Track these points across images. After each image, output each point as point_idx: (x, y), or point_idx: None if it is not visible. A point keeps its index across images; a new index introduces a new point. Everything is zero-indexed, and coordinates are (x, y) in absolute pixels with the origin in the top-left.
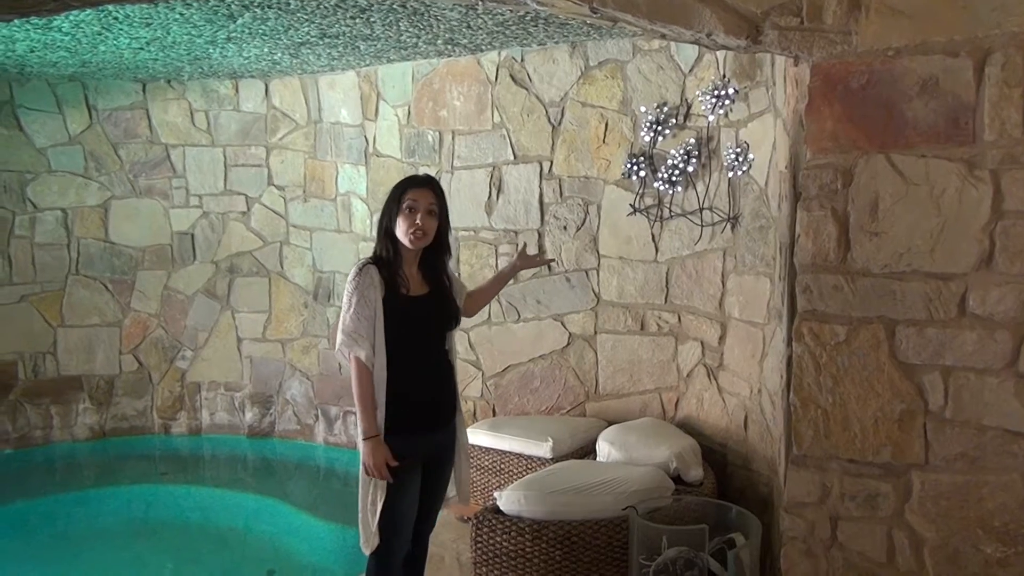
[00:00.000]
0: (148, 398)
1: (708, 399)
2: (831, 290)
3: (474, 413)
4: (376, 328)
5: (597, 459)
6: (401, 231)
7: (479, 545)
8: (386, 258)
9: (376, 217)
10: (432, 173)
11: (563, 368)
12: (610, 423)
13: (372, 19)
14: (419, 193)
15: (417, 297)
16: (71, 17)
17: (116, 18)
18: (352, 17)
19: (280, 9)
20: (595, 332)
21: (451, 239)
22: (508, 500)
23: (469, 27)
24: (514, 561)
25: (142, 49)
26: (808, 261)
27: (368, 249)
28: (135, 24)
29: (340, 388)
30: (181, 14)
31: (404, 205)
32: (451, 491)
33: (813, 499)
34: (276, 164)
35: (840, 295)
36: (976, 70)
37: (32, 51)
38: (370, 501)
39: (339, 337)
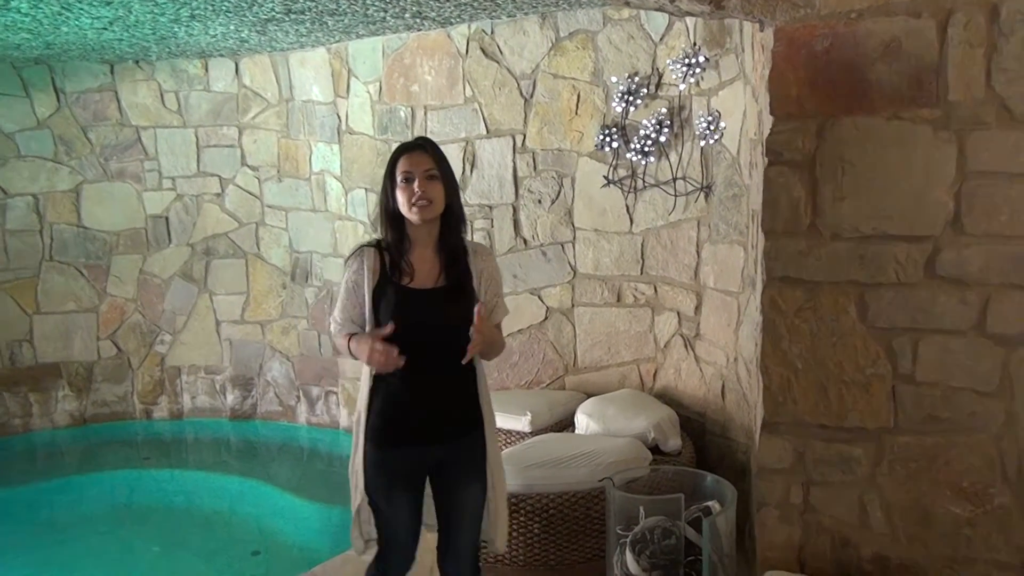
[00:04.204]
0: (128, 383)
1: (685, 369)
2: (799, 256)
3: None
4: (368, 321)
5: (576, 432)
6: (403, 206)
7: None
8: (392, 243)
9: (353, 196)
10: None
11: (541, 342)
12: (589, 395)
13: None
14: (413, 159)
15: (421, 290)
16: None
17: None
18: None
19: None
20: (572, 305)
21: (463, 206)
22: None
23: None
24: None
25: (106, 29)
26: (776, 228)
27: (345, 229)
28: (96, 3)
29: (321, 368)
30: None
31: (399, 177)
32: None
33: (785, 465)
34: (249, 144)
35: (808, 260)
36: (939, 31)
37: None
38: (354, 509)
39: (332, 326)
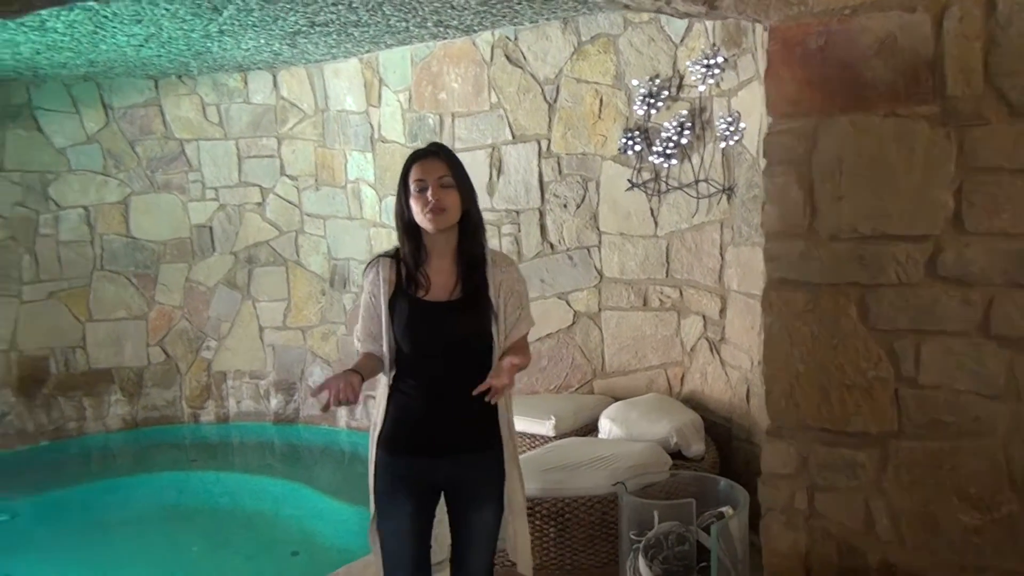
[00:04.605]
0: (176, 388)
1: (711, 373)
2: (798, 257)
3: None
4: (384, 331)
5: (599, 436)
6: (417, 215)
7: None
8: (408, 253)
9: (386, 203)
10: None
11: (569, 346)
12: (617, 400)
13: (355, 4)
14: (425, 166)
15: (435, 303)
16: (63, 17)
17: (106, 16)
18: (334, 3)
19: (261, 0)
20: (599, 309)
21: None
22: None
23: (453, 7)
24: None
25: (142, 46)
26: (775, 228)
27: (380, 236)
28: (126, 22)
29: None
30: (167, 9)
31: (412, 186)
32: (504, 544)
33: (790, 470)
34: (287, 154)
35: (808, 262)
36: (934, 24)
37: (38, 53)
38: (371, 520)
39: (355, 343)
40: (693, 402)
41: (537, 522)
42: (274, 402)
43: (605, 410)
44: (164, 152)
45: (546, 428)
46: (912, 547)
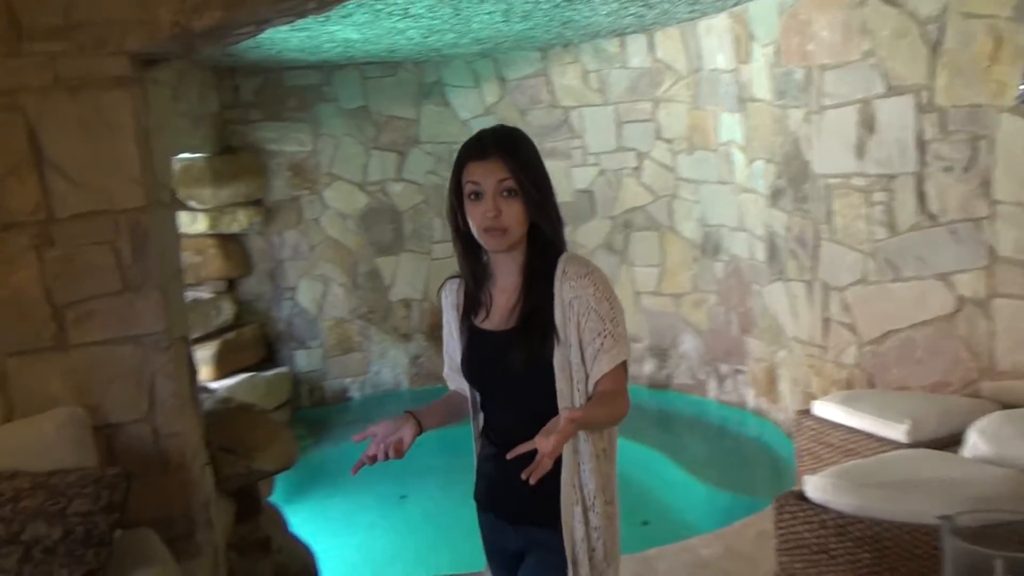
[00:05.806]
0: None
1: None
2: None
3: (849, 383)
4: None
5: (963, 452)
6: (474, 229)
7: (781, 532)
8: (467, 272)
9: (755, 167)
10: (800, 114)
11: (950, 338)
12: (1006, 408)
13: None
14: (482, 168)
15: (492, 332)
16: (420, 3)
17: None
18: None
19: None
20: (989, 296)
21: (560, 216)
22: (815, 487)
23: None
24: (816, 555)
25: (506, 21)
26: None
27: (748, 202)
28: (473, 1)
29: (731, 345)
30: None
31: (465, 189)
32: None
33: None
34: (663, 117)
35: None
36: None
37: (425, 37)
38: None
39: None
40: None
41: (848, 543)
42: (647, 367)
43: (978, 420)
44: (551, 120)
45: (898, 432)
46: None
